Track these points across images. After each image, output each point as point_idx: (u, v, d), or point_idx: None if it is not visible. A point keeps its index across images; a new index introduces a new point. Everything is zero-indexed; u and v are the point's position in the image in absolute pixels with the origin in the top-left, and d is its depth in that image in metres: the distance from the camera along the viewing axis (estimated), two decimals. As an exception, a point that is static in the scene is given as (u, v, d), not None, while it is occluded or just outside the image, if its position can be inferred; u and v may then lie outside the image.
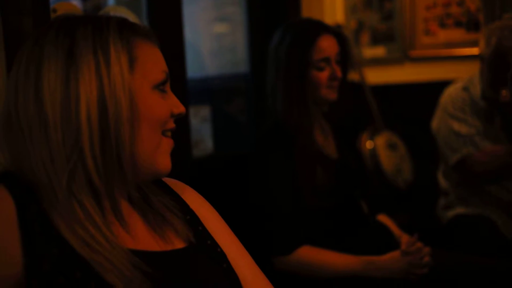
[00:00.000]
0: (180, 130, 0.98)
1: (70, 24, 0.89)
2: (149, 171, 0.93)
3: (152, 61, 0.93)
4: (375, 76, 3.07)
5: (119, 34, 0.89)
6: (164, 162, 0.94)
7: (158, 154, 0.92)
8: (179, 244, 0.96)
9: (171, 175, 0.96)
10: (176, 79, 1.15)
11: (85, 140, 0.83)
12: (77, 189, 0.84)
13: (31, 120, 0.84)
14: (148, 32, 0.95)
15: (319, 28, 1.82)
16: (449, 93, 2.26)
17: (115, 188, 0.90)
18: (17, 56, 0.90)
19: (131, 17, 1.64)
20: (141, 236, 0.93)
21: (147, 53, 0.92)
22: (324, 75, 1.78)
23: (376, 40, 3.15)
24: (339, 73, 1.80)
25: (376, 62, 3.14)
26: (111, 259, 0.81)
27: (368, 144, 2.90)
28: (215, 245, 1.02)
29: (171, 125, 0.96)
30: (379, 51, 3.14)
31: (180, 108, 0.96)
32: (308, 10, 2.68)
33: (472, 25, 2.80)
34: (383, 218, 1.98)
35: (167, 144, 0.95)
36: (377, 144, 2.89)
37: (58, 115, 0.84)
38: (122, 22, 0.92)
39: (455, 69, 2.74)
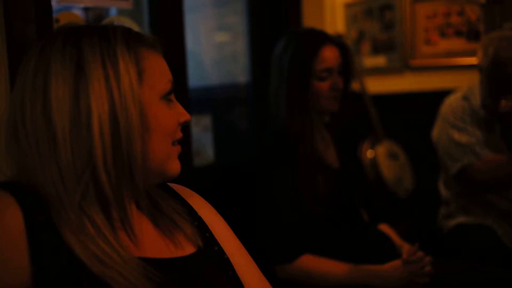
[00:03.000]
0: (181, 139, 0.99)
1: (76, 34, 0.88)
2: (158, 176, 0.95)
3: (159, 71, 0.93)
4: (376, 86, 3.08)
5: (126, 45, 0.89)
6: (173, 166, 0.96)
7: (169, 162, 0.94)
8: (189, 248, 0.97)
9: (173, 183, 0.96)
10: (178, 88, 1.16)
11: (98, 155, 0.83)
12: (87, 205, 0.84)
13: (39, 136, 0.83)
14: (153, 41, 0.95)
15: (322, 38, 1.83)
16: (449, 102, 2.27)
17: (125, 197, 0.89)
18: (22, 65, 0.88)
19: (133, 27, 1.65)
20: (151, 242, 0.93)
21: (153, 64, 0.92)
22: (325, 85, 1.79)
23: (376, 49, 3.16)
24: (340, 84, 1.81)
25: (377, 71, 3.15)
26: (123, 272, 0.80)
27: (369, 153, 2.90)
28: (221, 251, 1.02)
29: (180, 134, 0.97)
30: (379, 60, 3.15)
31: (185, 116, 0.97)
32: (309, 20, 2.69)
33: (472, 34, 2.81)
34: (384, 227, 1.98)
35: (176, 151, 0.97)
36: (378, 153, 2.89)
37: (67, 131, 0.82)
38: (128, 32, 0.92)
39: (456, 79, 2.74)
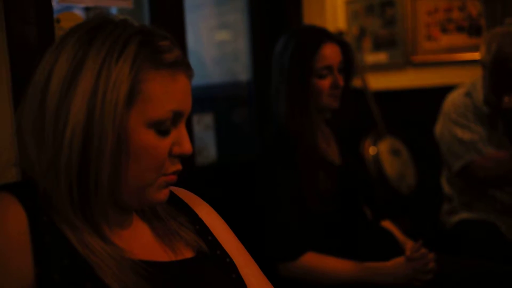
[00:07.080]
0: (179, 171, 0.93)
1: (94, 32, 0.84)
2: (139, 201, 0.89)
3: (159, 98, 0.85)
4: (378, 82, 3.08)
5: (132, 61, 0.83)
6: (155, 196, 0.89)
7: (151, 190, 0.88)
8: (188, 254, 0.96)
9: (175, 183, 0.96)
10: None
11: (63, 160, 0.81)
12: (74, 205, 0.83)
13: (35, 126, 0.83)
14: (174, 62, 0.87)
15: (322, 36, 1.82)
16: (452, 99, 2.26)
17: (94, 211, 0.86)
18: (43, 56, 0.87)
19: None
20: (150, 247, 0.93)
21: (156, 88, 0.84)
22: (326, 83, 1.79)
23: (378, 46, 3.16)
24: (341, 82, 1.80)
25: (378, 68, 3.14)
26: (118, 273, 0.80)
27: (371, 150, 2.90)
28: (224, 255, 1.02)
29: (173, 168, 0.89)
30: (381, 57, 3.15)
31: (182, 148, 0.89)
32: (310, 17, 2.69)
33: (473, 30, 2.80)
34: (387, 224, 1.98)
35: (165, 181, 0.89)
36: (380, 150, 2.89)
37: (52, 122, 0.82)
38: (145, 45, 0.85)
39: (457, 74, 2.74)
